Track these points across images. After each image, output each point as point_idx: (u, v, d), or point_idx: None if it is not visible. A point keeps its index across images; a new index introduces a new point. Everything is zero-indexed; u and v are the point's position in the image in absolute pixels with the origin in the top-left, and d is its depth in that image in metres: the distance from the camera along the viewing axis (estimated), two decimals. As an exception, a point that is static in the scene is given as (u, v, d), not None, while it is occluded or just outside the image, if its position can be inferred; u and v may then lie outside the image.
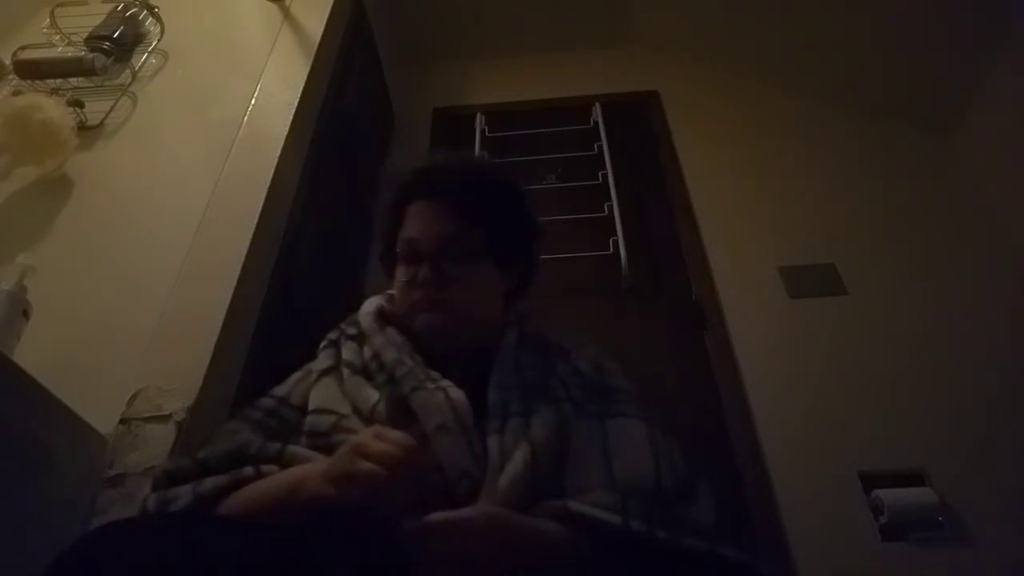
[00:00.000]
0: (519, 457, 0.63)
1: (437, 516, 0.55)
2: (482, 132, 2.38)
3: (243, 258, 1.09)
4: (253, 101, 1.41)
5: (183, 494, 0.62)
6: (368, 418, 0.69)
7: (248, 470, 0.63)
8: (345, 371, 0.74)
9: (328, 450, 0.66)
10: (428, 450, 0.61)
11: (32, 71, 1.42)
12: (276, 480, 0.63)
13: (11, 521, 0.71)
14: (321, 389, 0.73)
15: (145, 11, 1.57)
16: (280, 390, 0.76)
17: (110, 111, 1.41)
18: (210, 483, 0.62)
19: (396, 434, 0.58)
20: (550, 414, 0.68)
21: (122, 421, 0.89)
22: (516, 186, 0.85)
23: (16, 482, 0.72)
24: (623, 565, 0.58)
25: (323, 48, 1.58)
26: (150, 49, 1.55)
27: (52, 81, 1.43)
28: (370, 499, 0.55)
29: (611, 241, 2.01)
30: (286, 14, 1.65)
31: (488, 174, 0.85)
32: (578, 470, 0.66)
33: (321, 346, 0.80)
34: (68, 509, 0.79)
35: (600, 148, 2.28)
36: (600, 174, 2.21)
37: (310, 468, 0.62)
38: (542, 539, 0.58)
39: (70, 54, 1.42)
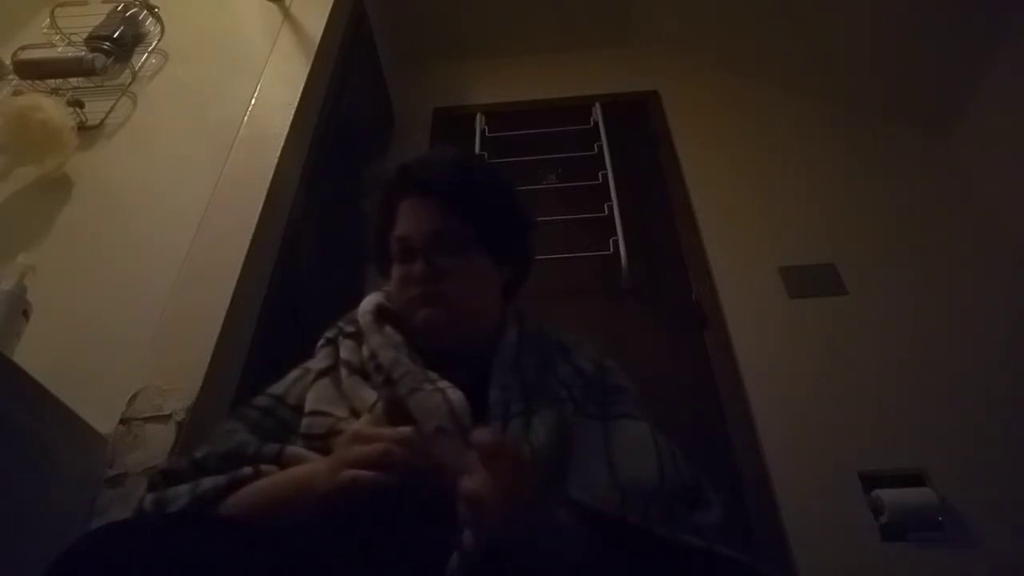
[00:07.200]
0: None
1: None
2: (482, 132, 2.38)
3: (243, 258, 1.08)
4: (253, 101, 1.40)
5: (181, 495, 0.62)
6: (367, 419, 0.68)
7: (247, 470, 0.63)
8: (343, 371, 0.73)
9: (325, 453, 0.66)
10: (425, 436, 0.62)
11: (32, 71, 1.42)
12: (278, 480, 0.62)
13: (11, 521, 0.71)
14: (318, 390, 0.73)
15: (145, 11, 1.57)
16: (277, 388, 0.76)
17: (110, 111, 1.41)
18: (208, 483, 0.62)
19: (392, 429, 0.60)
20: (551, 415, 0.68)
21: (122, 421, 0.89)
22: (503, 178, 0.86)
23: (16, 482, 0.72)
24: (621, 558, 0.58)
25: (323, 48, 1.58)
26: (150, 49, 1.55)
27: (52, 81, 1.43)
28: (374, 486, 0.56)
29: (611, 241, 2.01)
30: (286, 14, 1.65)
31: (474, 167, 0.86)
32: (580, 473, 0.65)
33: (319, 344, 0.80)
34: (68, 509, 0.79)
35: (600, 148, 2.28)
36: (600, 174, 2.21)
37: (314, 467, 0.62)
38: (549, 514, 0.57)
39: (70, 54, 1.42)
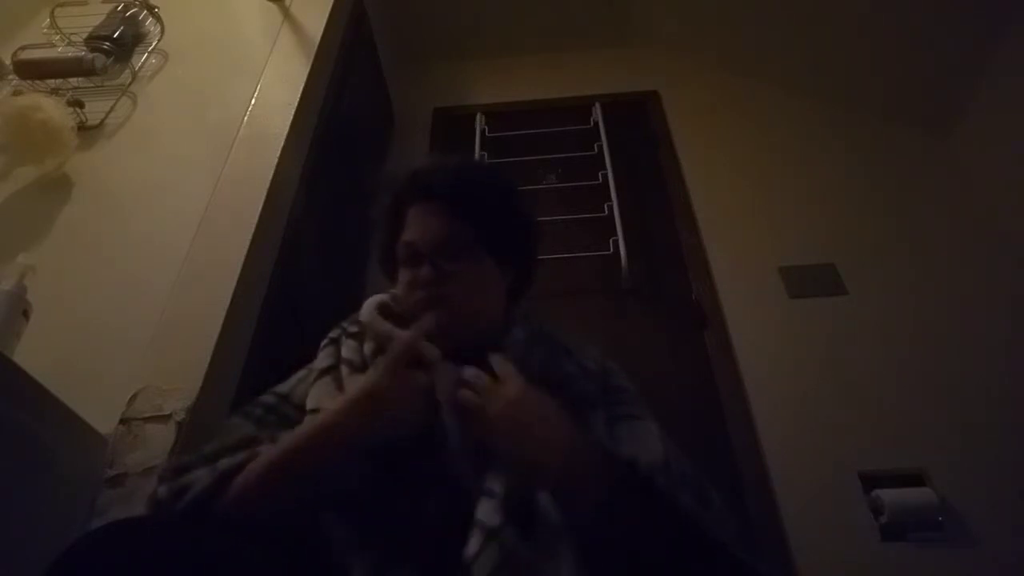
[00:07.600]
0: None
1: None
2: (482, 132, 2.38)
3: (243, 258, 1.08)
4: (253, 101, 1.40)
5: (200, 477, 0.62)
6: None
7: (266, 446, 0.63)
8: (344, 369, 0.74)
9: None
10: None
11: (32, 71, 1.42)
12: (294, 436, 0.63)
13: (11, 521, 0.71)
14: (319, 389, 0.73)
15: (145, 11, 1.57)
16: (282, 387, 0.77)
17: (110, 111, 1.41)
18: (227, 462, 0.62)
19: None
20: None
21: (122, 421, 0.89)
22: (509, 183, 0.87)
23: (16, 482, 0.72)
24: (635, 512, 0.60)
25: (323, 48, 1.58)
26: (150, 49, 1.55)
27: (52, 81, 1.43)
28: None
29: (611, 241, 2.01)
30: (286, 14, 1.65)
31: (481, 172, 0.87)
32: None
33: (322, 344, 0.81)
34: (68, 509, 0.79)
35: (600, 148, 2.28)
36: (600, 174, 2.21)
37: (331, 412, 0.64)
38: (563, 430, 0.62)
39: (70, 54, 1.42)
